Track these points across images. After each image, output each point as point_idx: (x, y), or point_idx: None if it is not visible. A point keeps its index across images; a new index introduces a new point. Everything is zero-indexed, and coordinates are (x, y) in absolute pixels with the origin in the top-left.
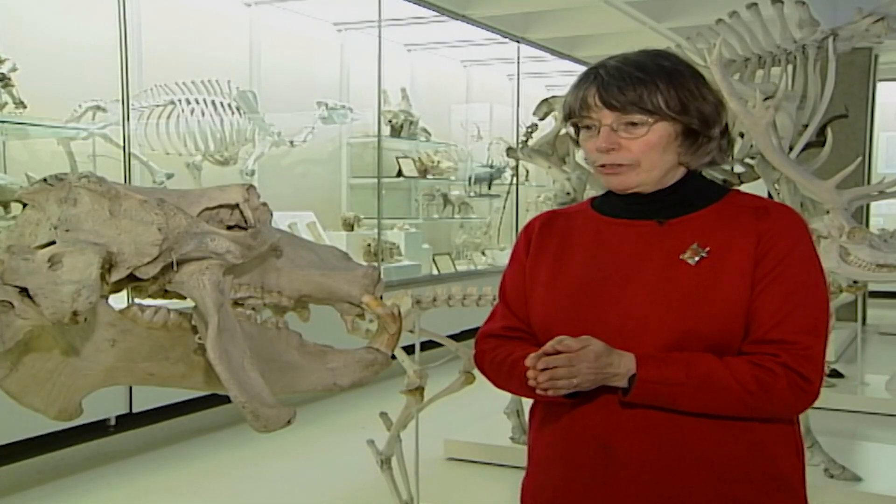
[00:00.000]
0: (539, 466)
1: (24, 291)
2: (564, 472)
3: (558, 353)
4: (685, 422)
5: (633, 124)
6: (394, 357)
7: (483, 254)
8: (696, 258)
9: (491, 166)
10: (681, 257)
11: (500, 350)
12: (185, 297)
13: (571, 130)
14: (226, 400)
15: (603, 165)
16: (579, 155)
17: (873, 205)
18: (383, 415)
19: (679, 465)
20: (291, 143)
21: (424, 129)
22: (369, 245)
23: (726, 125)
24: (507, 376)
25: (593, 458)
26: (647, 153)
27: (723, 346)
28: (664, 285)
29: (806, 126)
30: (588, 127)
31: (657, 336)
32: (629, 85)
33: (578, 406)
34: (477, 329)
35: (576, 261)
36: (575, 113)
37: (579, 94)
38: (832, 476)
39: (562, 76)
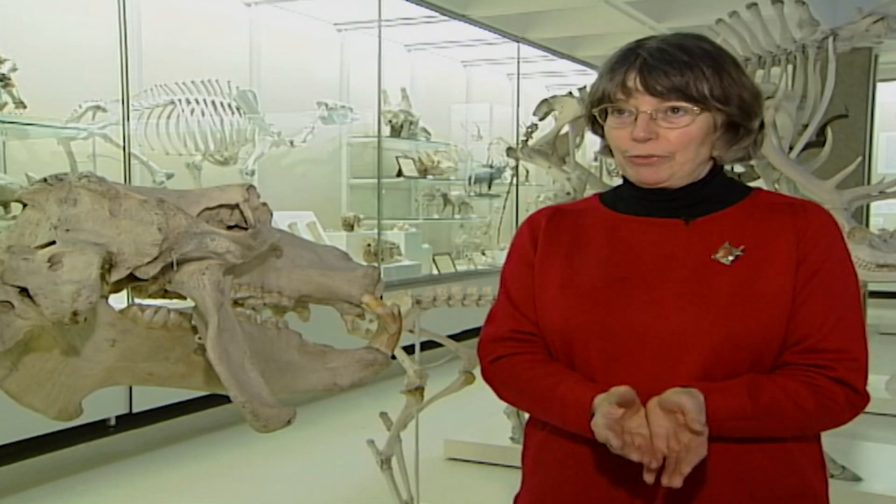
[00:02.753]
0: (543, 486)
1: (24, 291)
2: (581, 496)
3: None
4: (722, 444)
5: (675, 111)
6: (394, 357)
7: (483, 254)
8: (731, 257)
9: (491, 166)
10: (713, 257)
11: (519, 365)
12: (185, 297)
13: (587, 120)
14: (226, 400)
15: (634, 156)
16: (579, 155)
17: (873, 205)
18: (383, 415)
19: (717, 488)
20: (291, 143)
21: (424, 129)
22: (369, 245)
23: (762, 120)
24: (532, 399)
25: (619, 480)
26: (685, 145)
27: (764, 351)
28: (698, 287)
29: (806, 126)
30: (620, 112)
31: (697, 342)
32: (675, 69)
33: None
34: (477, 329)
35: (590, 260)
36: (609, 97)
37: (617, 77)
38: (832, 476)
39: (562, 76)
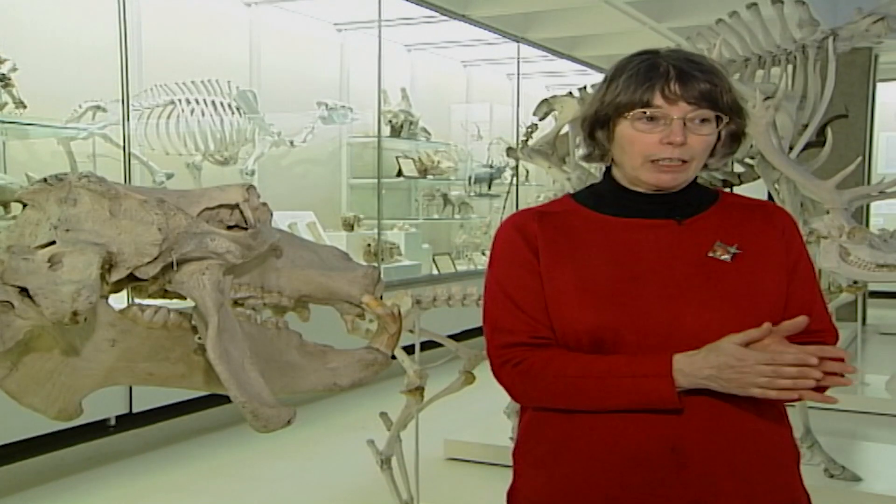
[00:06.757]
0: (574, 475)
1: (24, 291)
2: (623, 477)
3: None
4: (746, 418)
5: (704, 121)
6: (394, 357)
7: (483, 254)
8: (728, 256)
9: (491, 166)
10: (709, 255)
11: (556, 361)
12: (185, 297)
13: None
14: (226, 400)
15: (658, 160)
16: (579, 155)
17: (873, 205)
18: (383, 415)
19: (744, 460)
20: (291, 143)
21: (424, 129)
22: (369, 245)
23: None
24: (587, 386)
25: (661, 460)
26: (703, 152)
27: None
28: (707, 284)
29: (806, 126)
30: (651, 119)
31: (720, 334)
32: (705, 80)
33: (639, 411)
34: (477, 329)
35: (599, 263)
36: (648, 103)
37: (650, 84)
38: (832, 476)
39: (562, 76)
